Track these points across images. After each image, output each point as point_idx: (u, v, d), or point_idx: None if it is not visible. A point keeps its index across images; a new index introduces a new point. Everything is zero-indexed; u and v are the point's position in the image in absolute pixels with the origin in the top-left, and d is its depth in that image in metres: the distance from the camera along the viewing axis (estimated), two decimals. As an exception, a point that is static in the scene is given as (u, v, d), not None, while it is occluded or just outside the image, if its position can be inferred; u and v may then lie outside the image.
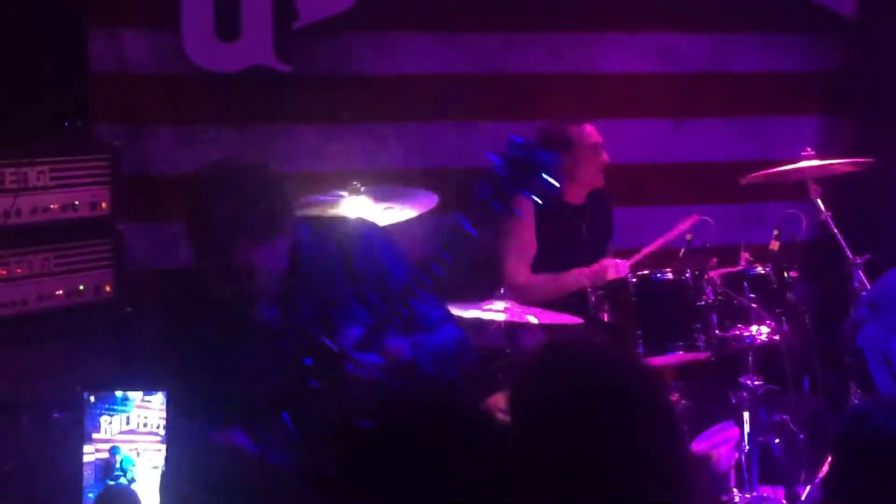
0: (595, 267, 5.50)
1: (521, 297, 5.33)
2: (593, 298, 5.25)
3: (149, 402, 4.18)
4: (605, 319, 5.21)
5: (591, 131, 5.71)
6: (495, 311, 5.09)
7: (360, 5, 6.01)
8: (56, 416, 4.68)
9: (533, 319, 5.10)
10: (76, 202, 5.06)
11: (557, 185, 3.54)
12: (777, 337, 5.17)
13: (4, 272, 4.90)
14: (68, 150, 5.10)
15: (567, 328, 5.04)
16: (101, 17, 5.72)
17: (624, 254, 5.66)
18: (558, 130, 5.64)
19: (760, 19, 6.56)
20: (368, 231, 3.84)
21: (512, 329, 5.25)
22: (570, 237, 5.73)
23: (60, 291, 5.04)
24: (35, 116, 5.29)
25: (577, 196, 5.75)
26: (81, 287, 5.10)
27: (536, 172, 3.55)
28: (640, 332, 5.11)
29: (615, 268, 5.44)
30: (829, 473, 2.46)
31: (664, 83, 6.45)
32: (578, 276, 5.51)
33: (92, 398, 4.18)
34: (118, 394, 4.19)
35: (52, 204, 5.00)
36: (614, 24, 6.38)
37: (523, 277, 5.61)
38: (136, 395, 4.18)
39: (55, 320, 5.00)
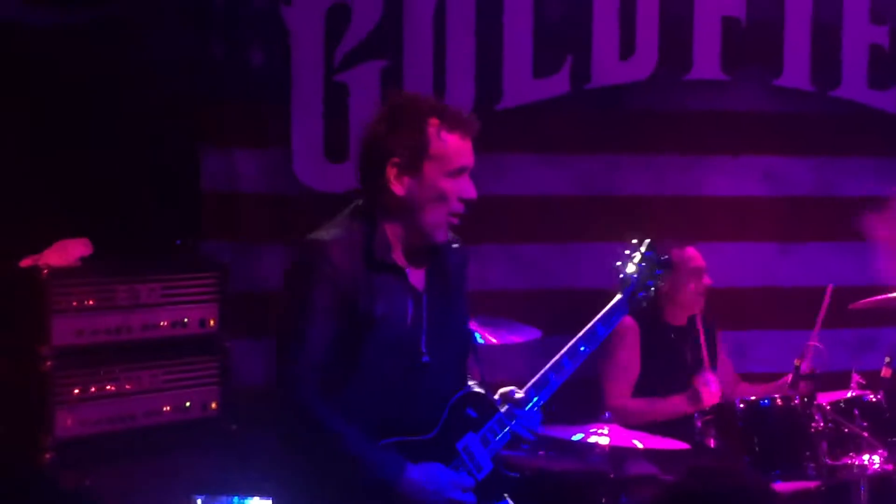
0: (689, 393, 5.44)
1: (621, 420, 5.28)
2: (700, 423, 5.18)
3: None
4: (712, 445, 5.14)
5: (693, 254, 5.70)
6: (600, 434, 5.04)
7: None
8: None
9: (638, 444, 5.04)
10: (185, 319, 5.14)
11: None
12: (890, 466, 5.05)
13: (114, 388, 4.97)
14: (179, 267, 5.20)
15: (673, 454, 4.97)
16: (214, 137, 5.84)
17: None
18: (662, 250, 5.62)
19: (867, 143, 6.53)
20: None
21: (616, 453, 5.18)
22: (670, 359, 5.68)
23: (167, 407, 5.10)
24: (148, 234, 5.41)
25: (678, 318, 5.72)
26: (188, 403, 5.16)
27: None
28: (747, 459, 5.02)
29: (708, 392, 5.39)
30: None
31: (769, 206, 6.42)
32: (677, 404, 5.47)
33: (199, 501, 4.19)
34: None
35: (162, 321, 5.09)
36: (719, 146, 6.39)
37: (622, 400, 5.57)
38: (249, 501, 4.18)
39: (162, 436, 5.05)
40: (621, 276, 3.97)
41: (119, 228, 5.36)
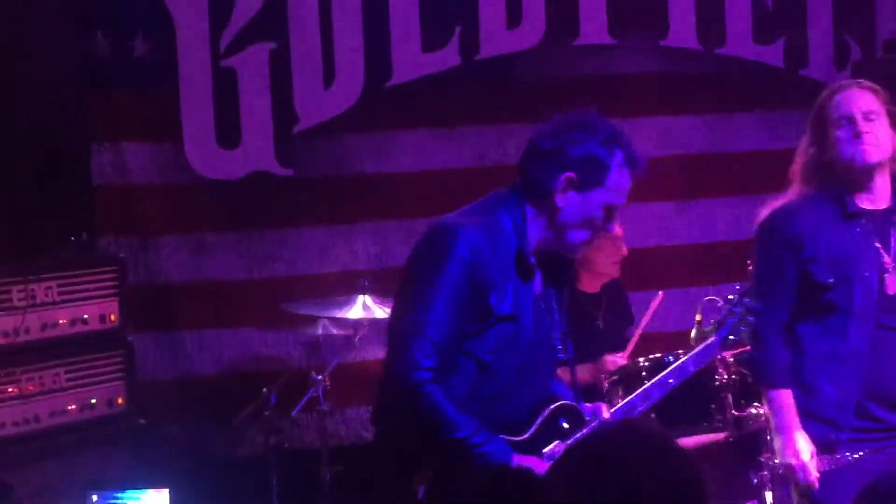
0: (594, 363, 5.49)
1: None
2: (606, 385, 5.23)
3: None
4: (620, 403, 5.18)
5: None
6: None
7: (358, 106, 6.07)
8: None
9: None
10: (85, 316, 5.08)
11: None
12: (794, 413, 5.13)
13: (16, 390, 4.91)
14: (75, 264, 5.13)
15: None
16: (103, 130, 5.77)
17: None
18: None
19: (756, 98, 6.61)
20: None
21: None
22: (584, 327, 5.70)
23: (73, 406, 5.04)
24: (40, 232, 5.33)
25: (591, 285, 5.74)
26: (94, 401, 5.10)
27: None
28: (654, 416, 5.07)
29: (613, 362, 5.45)
30: None
31: (664, 166, 6.48)
32: (589, 370, 5.51)
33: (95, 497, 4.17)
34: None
35: (61, 319, 5.03)
36: (611, 110, 6.42)
37: None
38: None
39: (69, 435, 4.99)
40: (719, 318, 4.04)
41: (9, 228, 5.28)
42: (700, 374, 5.10)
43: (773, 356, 4.14)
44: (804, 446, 4.07)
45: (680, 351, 5.23)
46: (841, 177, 4.09)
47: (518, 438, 3.60)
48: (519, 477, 2.55)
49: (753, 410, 5.10)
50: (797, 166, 4.20)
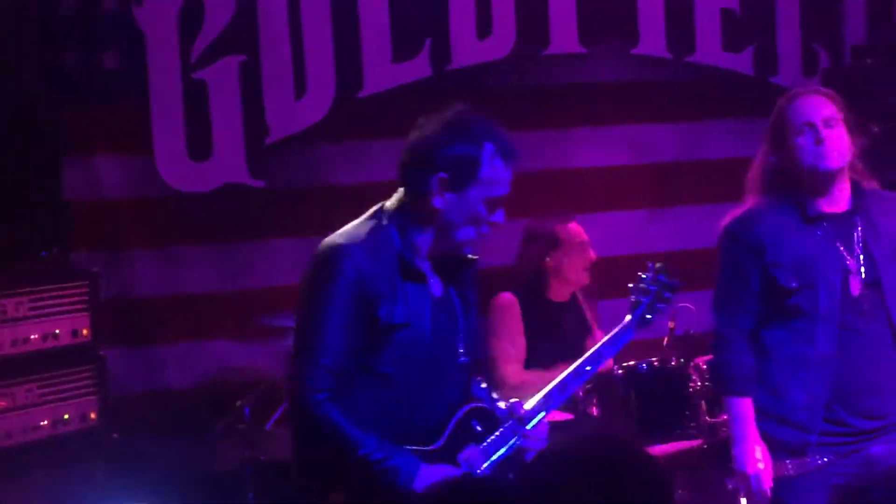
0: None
1: (516, 396, 5.30)
2: (581, 393, 5.23)
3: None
4: (595, 413, 5.19)
5: (577, 230, 5.72)
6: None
7: (329, 117, 6.07)
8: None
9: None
10: (57, 331, 5.06)
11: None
12: (767, 419, 5.15)
13: (-12, 406, 4.88)
14: (46, 278, 5.11)
15: (556, 425, 5.00)
16: (74, 144, 5.75)
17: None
18: (544, 227, 5.66)
19: (726, 106, 6.64)
20: None
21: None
22: (553, 335, 5.70)
23: (45, 422, 5.01)
24: (11, 246, 5.30)
25: (561, 294, 5.74)
26: (66, 416, 5.07)
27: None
28: (629, 423, 5.09)
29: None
30: None
31: (636, 174, 6.51)
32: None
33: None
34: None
35: (33, 334, 5.00)
36: (582, 118, 6.46)
37: (519, 376, 5.58)
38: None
39: (41, 451, 4.96)
40: (632, 298, 4.03)
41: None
42: (673, 382, 5.14)
43: (736, 362, 4.14)
44: (759, 455, 4.09)
45: (654, 359, 5.26)
46: (802, 183, 4.12)
47: (431, 448, 3.61)
48: (482, 490, 2.55)
49: (727, 417, 5.12)
50: (755, 174, 4.23)
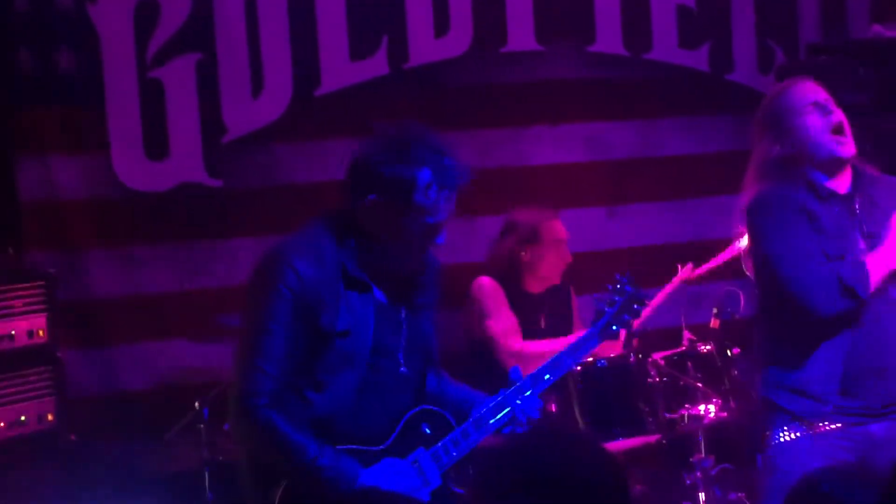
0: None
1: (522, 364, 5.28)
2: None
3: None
4: (553, 409, 5.20)
5: (558, 228, 5.73)
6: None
7: (287, 116, 6.05)
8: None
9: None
10: (13, 332, 5.02)
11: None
12: (725, 414, 5.18)
13: (-58, 408, 4.84)
14: (2, 279, 5.07)
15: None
16: (28, 145, 5.71)
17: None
18: (525, 220, 5.67)
19: (683, 103, 6.67)
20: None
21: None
22: (530, 328, 5.70)
23: (2, 423, 4.98)
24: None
25: (535, 286, 5.74)
26: (23, 417, 5.03)
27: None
28: (588, 420, 5.10)
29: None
30: None
31: (594, 171, 6.53)
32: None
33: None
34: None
35: (-12, 335, 4.96)
36: (540, 116, 6.47)
37: (518, 346, 5.54)
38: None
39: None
40: (597, 308, 3.99)
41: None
42: (630, 378, 5.15)
43: (854, 265, 4.00)
44: None
45: (612, 355, 5.27)
46: (810, 164, 4.07)
47: (376, 448, 3.61)
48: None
49: (685, 412, 5.15)
50: (756, 168, 4.15)
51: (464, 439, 3.68)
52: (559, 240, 5.70)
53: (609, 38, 6.54)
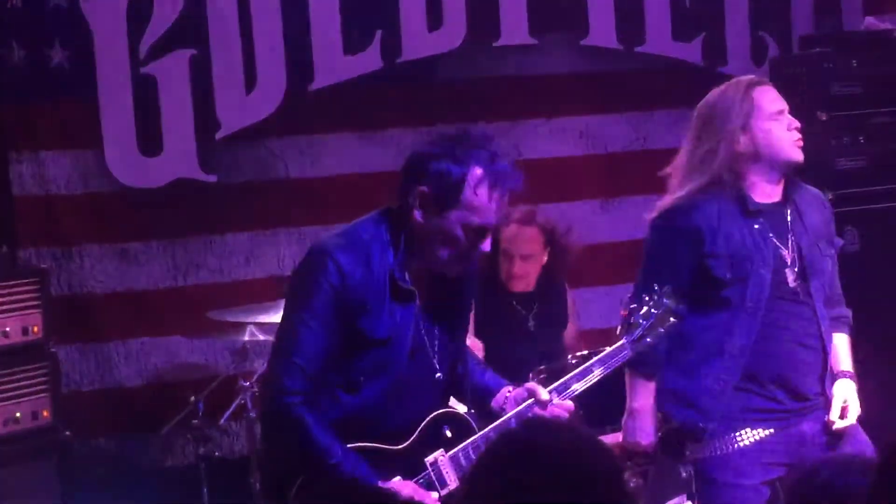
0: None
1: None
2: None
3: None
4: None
5: (509, 234, 5.62)
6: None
7: (280, 111, 6.05)
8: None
9: (461, 408, 5.05)
10: (7, 329, 5.02)
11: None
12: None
13: (-63, 405, 4.84)
14: (-5, 276, 5.06)
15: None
16: (22, 141, 5.71)
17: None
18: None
19: (676, 96, 6.67)
20: None
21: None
22: (514, 330, 5.64)
23: (-3, 420, 4.98)
24: (-41, 246, 5.25)
25: (520, 286, 5.67)
26: (18, 414, 5.03)
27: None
28: (582, 412, 5.09)
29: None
30: None
31: (587, 164, 6.53)
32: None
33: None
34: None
35: (-18, 332, 4.96)
36: (533, 110, 6.47)
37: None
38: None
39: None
40: (631, 319, 3.93)
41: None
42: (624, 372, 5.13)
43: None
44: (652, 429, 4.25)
45: (605, 347, 5.26)
46: (752, 169, 4.12)
47: (395, 447, 3.58)
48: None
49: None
50: (687, 161, 4.18)
51: (486, 445, 3.66)
52: (505, 248, 5.58)
53: (602, 32, 6.54)
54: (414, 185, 3.50)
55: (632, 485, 5.28)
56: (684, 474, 5.27)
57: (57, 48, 5.72)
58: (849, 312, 4.37)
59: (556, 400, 3.71)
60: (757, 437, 4.14)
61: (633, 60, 6.60)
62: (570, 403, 3.76)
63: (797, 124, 4.17)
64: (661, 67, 6.65)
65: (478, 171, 3.48)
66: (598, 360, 3.86)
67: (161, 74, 5.89)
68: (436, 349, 3.63)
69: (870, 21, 6.31)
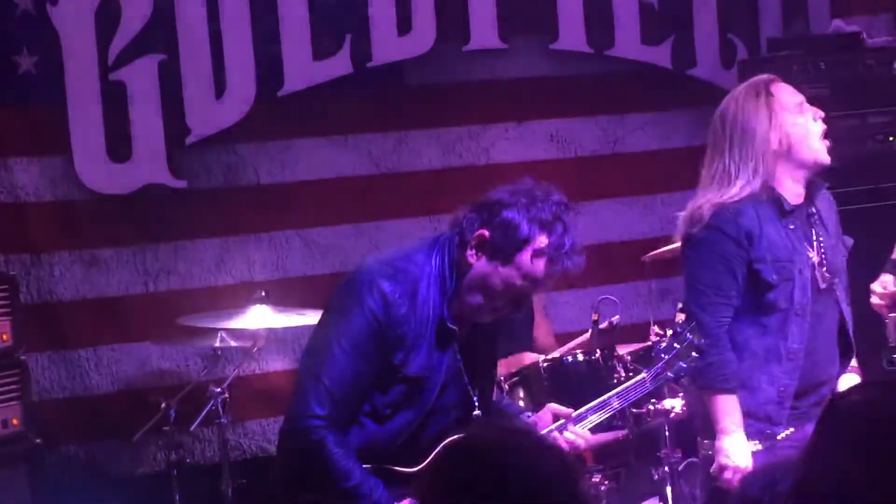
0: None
1: None
2: (507, 386, 5.24)
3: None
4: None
5: None
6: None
7: (250, 116, 6.03)
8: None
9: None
10: (-25, 336, 4.98)
11: None
12: (692, 408, 5.18)
13: None
14: (-37, 284, 5.03)
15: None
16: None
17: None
18: None
19: (646, 99, 6.69)
20: None
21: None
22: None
23: (-34, 429, 4.94)
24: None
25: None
26: (-12, 422, 5.00)
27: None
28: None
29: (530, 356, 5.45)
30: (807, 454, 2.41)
31: (558, 168, 6.54)
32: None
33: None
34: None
35: (-49, 341, 4.92)
36: (503, 114, 6.48)
37: None
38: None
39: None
40: (652, 353, 3.91)
41: None
42: (598, 373, 5.15)
43: (727, 360, 4.08)
44: (748, 451, 4.07)
45: (578, 351, 5.28)
46: (786, 166, 4.09)
47: (411, 469, 3.55)
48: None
49: (652, 407, 5.15)
50: (715, 168, 4.12)
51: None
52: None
53: (572, 35, 6.55)
54: (478, 224, 3.46)
55: (604, 488, 5.30)
56: (657, 476, 5.30)
57: (25, 55, 5.69)
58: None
59: (571, 428, 3.69)
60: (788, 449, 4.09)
61: (602, 64, 6.62)
62: (587, 433, 3.73)
63: (822, 114, 4.15)
64: (631, 70, 6.67)
65: (543, 239, 3.44)
66: (617, 393, 3.88)
67: (130, 80, 5.86)
68: (467, 383, 3.59)
69: (837, 24, 6.35)
